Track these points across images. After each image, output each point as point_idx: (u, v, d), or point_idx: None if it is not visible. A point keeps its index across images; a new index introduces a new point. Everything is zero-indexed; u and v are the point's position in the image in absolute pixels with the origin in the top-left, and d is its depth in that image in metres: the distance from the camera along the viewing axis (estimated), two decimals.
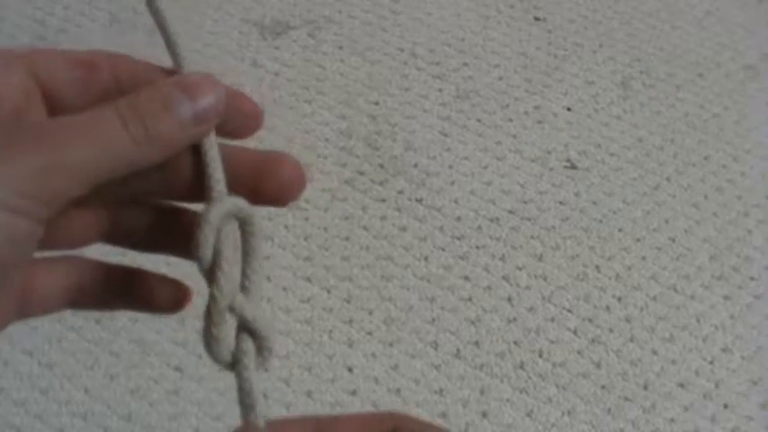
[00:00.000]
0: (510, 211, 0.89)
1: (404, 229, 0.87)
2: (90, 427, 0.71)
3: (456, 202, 0.89)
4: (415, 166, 0.93)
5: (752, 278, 0.86)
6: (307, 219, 0.87)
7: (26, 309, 0.25)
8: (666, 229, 0.89)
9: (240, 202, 0.24)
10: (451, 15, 1.11)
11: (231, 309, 0.22)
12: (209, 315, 0.22)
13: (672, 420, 0.75)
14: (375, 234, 0.86)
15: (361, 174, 0.92)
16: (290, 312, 0.80)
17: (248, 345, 0.22)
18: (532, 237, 0.87)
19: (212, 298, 0.22)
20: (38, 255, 0.24)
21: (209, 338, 0.22)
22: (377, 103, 0.99)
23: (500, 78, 1.04)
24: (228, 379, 0.23)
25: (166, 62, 0.28)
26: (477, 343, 0.79)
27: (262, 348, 0.23)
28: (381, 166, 0.92)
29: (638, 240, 0.88)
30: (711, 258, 0.87)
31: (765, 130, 1.01)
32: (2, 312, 0.24)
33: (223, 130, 0.25)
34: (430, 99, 1.00)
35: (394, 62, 1.05)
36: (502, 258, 0.85)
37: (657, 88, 1.04)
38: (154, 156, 0.23)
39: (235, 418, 0.22)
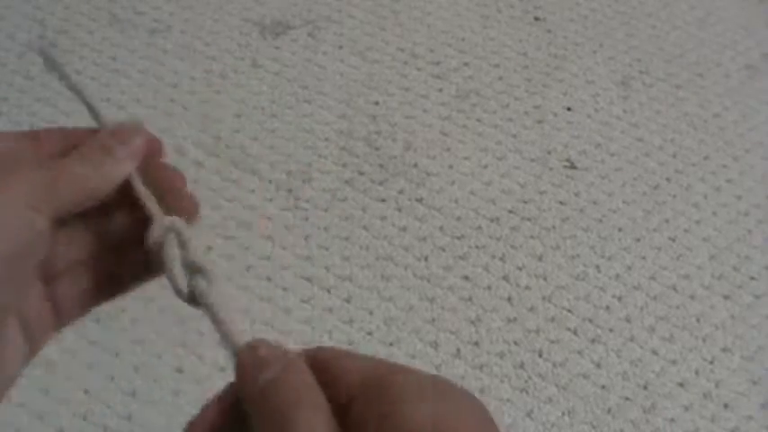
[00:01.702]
0: (510, 211, 0.89)
1: (404, 228, 0.87)
2: (90, 427, 0.71)
3: (456, 201, 0.89)
4: (415, 165, 0.93)
5: (752, 278, 0.86)
6: (307, 219, 0.87)
7: (60, 320, 0.32)
8: (666, 229, 0.89)
9: (174, 220, 0.30)
10: (452, 15, 1.11)
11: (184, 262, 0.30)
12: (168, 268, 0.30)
13: (672, 420, 0.75)
14: (375, 234, 0.86)
15: (362, 174, 0.92)
16: (290, 312, 0.80)
17: (199, 281, 0.29)
18: (532, 236, 0.87)
19: (166, 256, 0.30)
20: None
21: (173, 286, 0.29)
22: (377, 103, 0.99)
23: (500, 78, 1.04)
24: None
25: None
26: (477, 343, 0.79)
27: (210, 281, 0.29)
28: (381, 165, 0.92)
29: (638, 240, 0.88)
30: (711, 258, 0.87)
31: (765, 129, 1.01)
32: (39, 319, 0.31)
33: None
34: (430, 99, 1.00)
35: (394, 62, 1.05)
36: (502, 258, 0.85)
37: (657, 88, 1.04)
38: (103, 187, 0.30)
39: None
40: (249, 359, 0.26)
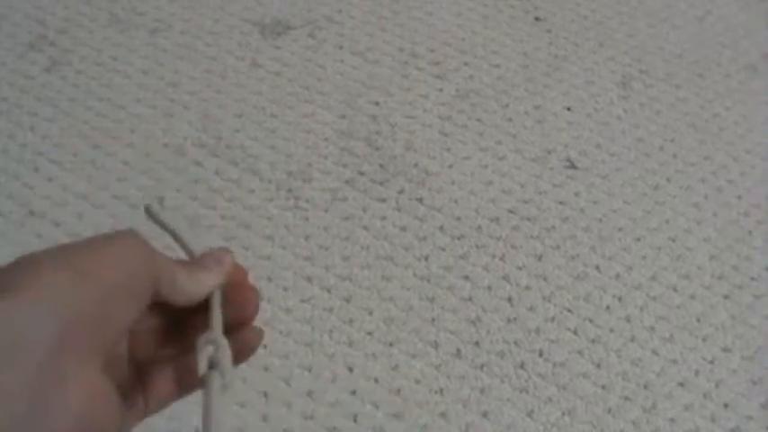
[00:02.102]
0: (510, 211, 0.89)
1: (404, 228, 0.87)
2: None
3: (456, 201, 0.89)
4: (416, 165, 0.93)
5: (752, 278, 0.86)
6: (307, 219, 0.87)
7: (150, 408, 0.36)
8: (666, 229, 0.89)
9: (220, 339, 0.35)
10: (452, 15, 1.11)
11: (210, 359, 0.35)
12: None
13: (672, 420, 0.75)
14: (375, 234, 0.86)
15: (362, 174, 0.92)
16: (290, 312, 0.80)
17: (214, 375, 0.34)
18: (532, 236, 0.87)
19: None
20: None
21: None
22: (377, 103, 0.99)
23: (500, 78, 1.04)
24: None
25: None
26: (477, 343, 0.79)
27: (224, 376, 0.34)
28: (382, 165, 0.92)
29: (639, 240, 0.88)
30: (711, 258, 0.87)
31: (765, 130, 1.01)
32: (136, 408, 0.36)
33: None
34: (430, 99, 1.00)
35: (394, 62, 1.05)
36: (502, 258, 0.85)
37: (657, 88, 1.04)
38: (192, 289, 0.36)
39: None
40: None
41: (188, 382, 0.36)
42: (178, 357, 0.37)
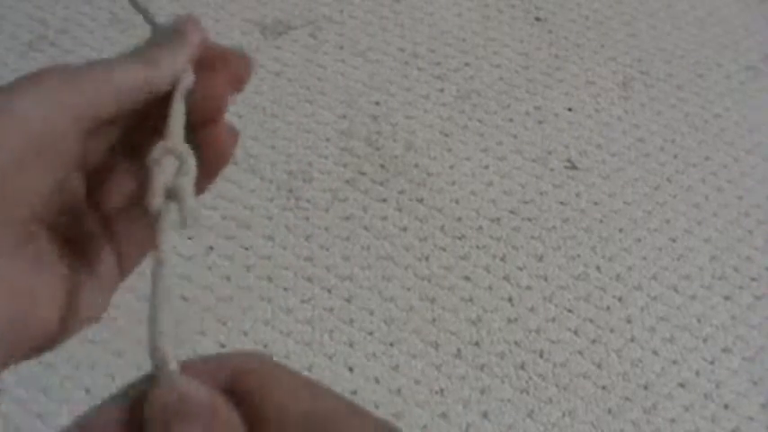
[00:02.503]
0: (511, 212, 0.89)
1: (405, 229, 0.87)
2: None
3: (457, 202, 0.89)
4: (416, 166, 0.93)
5: (752, 279, 0.86)
6: (307, 219, 0.87)
7: (125, 266, 0.28)
8: (667, 230, 0.89)
9: (183, 146, 0.27)
10: (453, 16, 1.11)
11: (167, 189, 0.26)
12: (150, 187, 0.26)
13: (672, 420, 0.75)
14: (376, 234, 0.86)
15: (362, 174, 0.91)
16: (290, 312, 0.80)
17: (171, 208, 0.25)
18: (533, 237, 0.87)
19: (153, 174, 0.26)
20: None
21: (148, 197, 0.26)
22: (378, 103, 0.99)
23: (501, 79, 1.04)
24: None
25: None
26: (477, 343, 0.79)
27: (183, 214, 0.26)
28: (382, 166, 0.92)
29: (639, 241, 0.88)
30: (712, 259, 0.87)
31: (766, 130, 1.01)
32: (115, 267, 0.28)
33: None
34: (431, 99, 1.00)
35: (395, 62, 1.05)
36: (503, 258, 0.85)
37: (658, 89, 1.04)
38: (158, 76, 0.27)
39: None
40: (164, 408, 0.21)
41: None
42: None
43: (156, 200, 0.25)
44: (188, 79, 0.29)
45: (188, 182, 0.26)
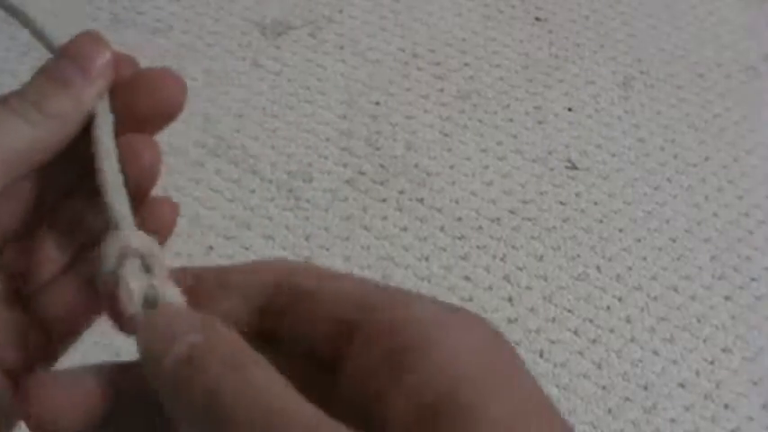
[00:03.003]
0: (511, 212, 0.89)
1: (405, 229, 0.87)
2: None
3: (457, 202, 0.89)
4: (416, 166, 0.93)
5: (752, 279, 0.86)
6: (307, 219, 0.87)
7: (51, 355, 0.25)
8: (667, 230, 0.89)
9: (144, 239, 0.21)
10: (452, 15, 1.11)
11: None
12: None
13: (673, 421, 0.75)
14: (376, 234, 0.86)
15: (362, 174, 0.92)
16: None
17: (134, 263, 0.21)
18: (533, 237, 0.87)
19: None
20: None
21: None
22: (378, 103, 0.99)
23: (501, 78, 1.04)
24: None
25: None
26: None
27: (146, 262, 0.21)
28: (382, 166, 0.92)
29: (639, 241, 0.88)
30: (712, 259, 0.87)
31: (766, 130, 1.01)
32: None
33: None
34: (431, 99, 1.00)
35: (395, 62, 1.05)
36: (503, 258, 0.85)
37: (658, 88, 1.04)
38: (54, 132, 0.21)
39: None
40: (153, 332, 0.18)
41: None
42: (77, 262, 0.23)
43: (134, 313, 0.21)
44: (106, 119, 0.22)
45: (163, 280, 0.21)
